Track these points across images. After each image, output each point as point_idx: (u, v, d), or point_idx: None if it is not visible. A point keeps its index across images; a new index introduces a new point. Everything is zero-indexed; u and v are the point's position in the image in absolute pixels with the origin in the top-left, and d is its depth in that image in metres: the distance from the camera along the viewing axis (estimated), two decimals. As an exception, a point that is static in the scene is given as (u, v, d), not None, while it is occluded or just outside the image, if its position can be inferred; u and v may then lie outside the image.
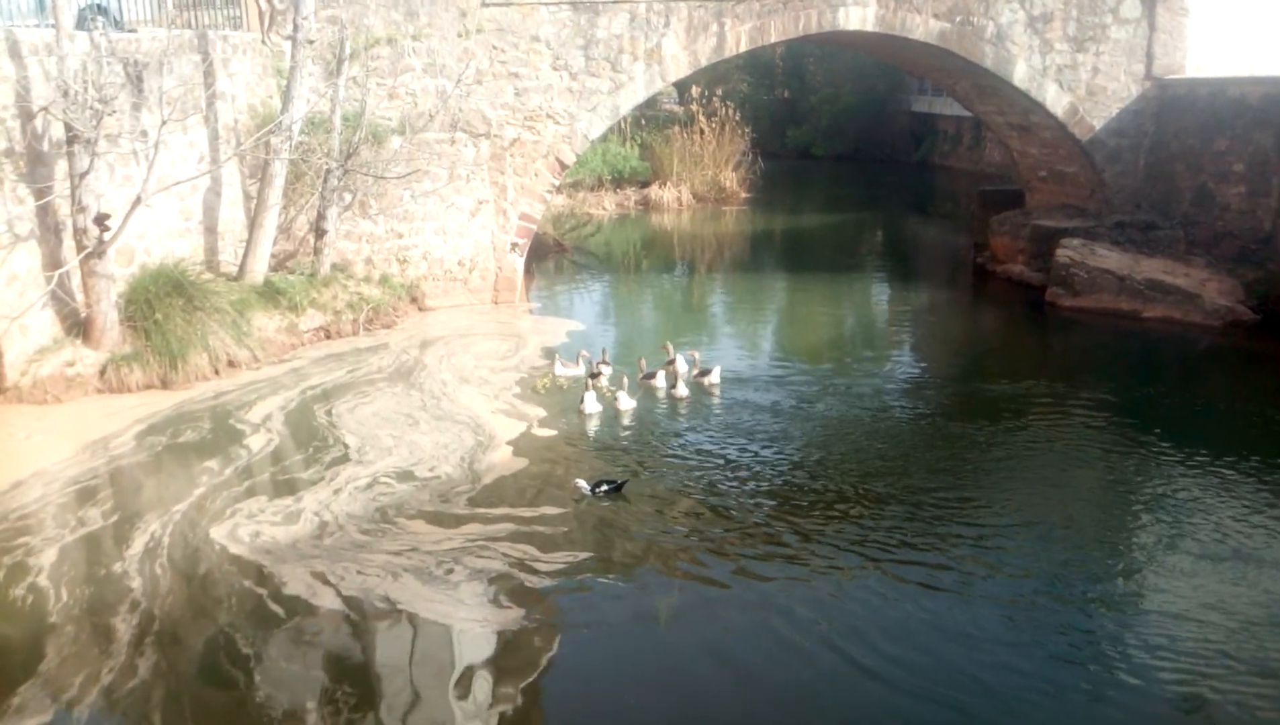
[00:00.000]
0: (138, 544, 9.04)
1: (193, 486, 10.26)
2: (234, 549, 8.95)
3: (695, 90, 33.78)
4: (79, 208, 12.46)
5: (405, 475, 10.54)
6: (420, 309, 17.65)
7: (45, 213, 12.55)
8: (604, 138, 26.63)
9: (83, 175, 12.34)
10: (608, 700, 7.06)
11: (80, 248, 12.64)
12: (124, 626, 7.78)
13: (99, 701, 6.90)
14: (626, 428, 12.17)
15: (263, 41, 17.47)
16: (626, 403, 12.70)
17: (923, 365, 15.91)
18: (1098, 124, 20.46)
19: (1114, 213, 20.49)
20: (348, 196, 16.78)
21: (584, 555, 8.88)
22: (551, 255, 23.89)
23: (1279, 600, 8.10)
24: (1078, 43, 20.07)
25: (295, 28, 15.66)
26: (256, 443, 11.45)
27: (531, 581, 8.43)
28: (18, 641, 7.64)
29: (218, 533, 9.25)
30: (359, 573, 8.51)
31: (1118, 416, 12.50)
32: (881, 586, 8.37)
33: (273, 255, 16.02)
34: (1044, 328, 17.95)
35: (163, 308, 13.45)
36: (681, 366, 13.80)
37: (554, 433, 11.90)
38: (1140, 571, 8.67)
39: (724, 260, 25.17)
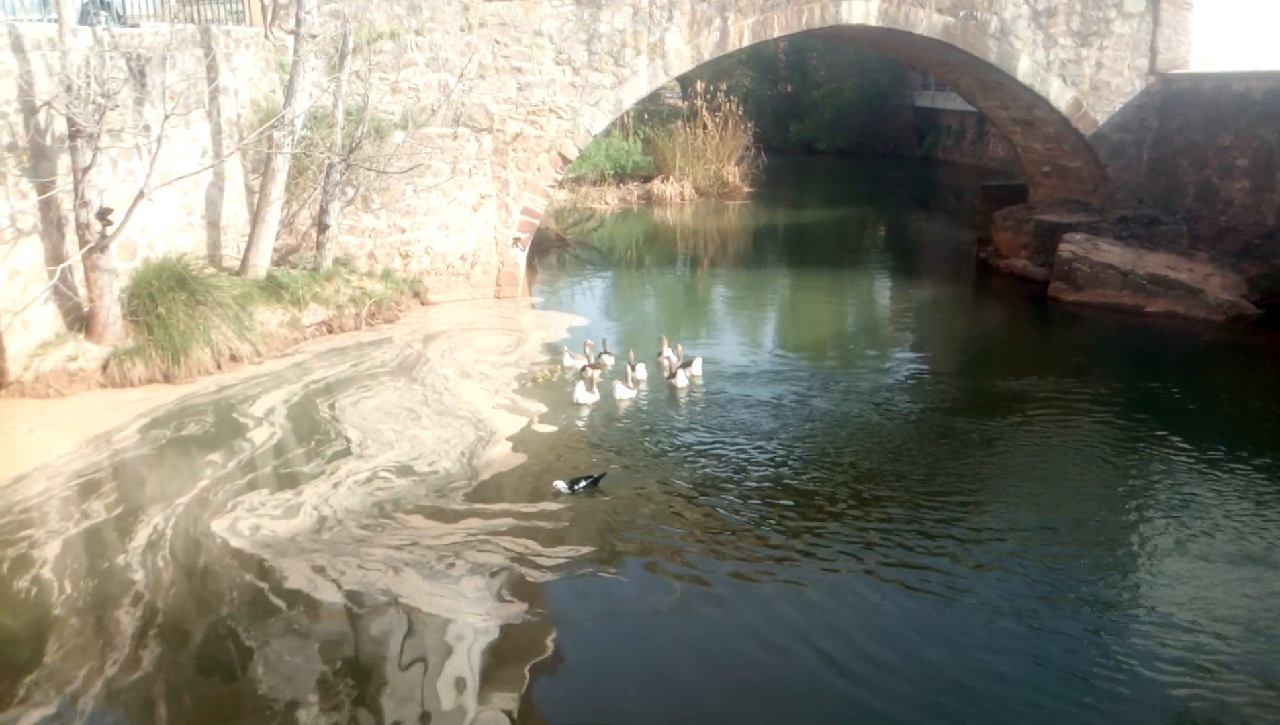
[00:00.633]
0: (140, 537, 9.07)
1: (195, 480, 10.28)
2: (235, 543, 8.97)
3: (698, 85, 33.75)
4: (82, 202, 12.47)
5: (407, 469, 10.56)
6: (423, 304, 17.66)
7: (48, 207, 12.57)
8: (607, 132, 26.65)
9: (85, 170, 12.35)
10: (609, 694, 7.07)
11: (83, 242, 12.66)
12: (127, 619, 7.80)
13: (103, 693, 6.93)
14: (623, 420, 12.17)
15: (265, 36, 17.47)
16: (624, 393, 12.82)
17: (925, 360, 15.90)
18: (1101, 119, 20.43)
19: (1117, 208, 20.46)
20: (350, 191, 16.78)
21: (585, 550, 8.89)
22: (554, 250, 23.89)
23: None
24: (1081, 37, 20.03)
25: (298, 22, 15.66)
26: (259, 436, 11.48)
27: (533, 576, 8.44)
28: (22, 633, 7.67)
29: (219, 526, 9.28)
30: (360, 566, 8.53)
31: (1121, 412, 12.49)
32: (881, 585, 8.38)
33: (275, 250, 16.03)
34: (1047, 323, 17.93)
35: (165, 302, 13.47)
36: (669, 358, 14.02)
37: (555, 427, 11.91)
38: (1143, 570, 8.65)
39: (726, 255, 25.16)
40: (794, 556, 8.81)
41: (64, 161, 12.59)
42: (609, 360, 14.11)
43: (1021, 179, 24.45)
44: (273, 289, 15.33)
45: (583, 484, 9.97)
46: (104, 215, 12.62)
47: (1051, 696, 6.89)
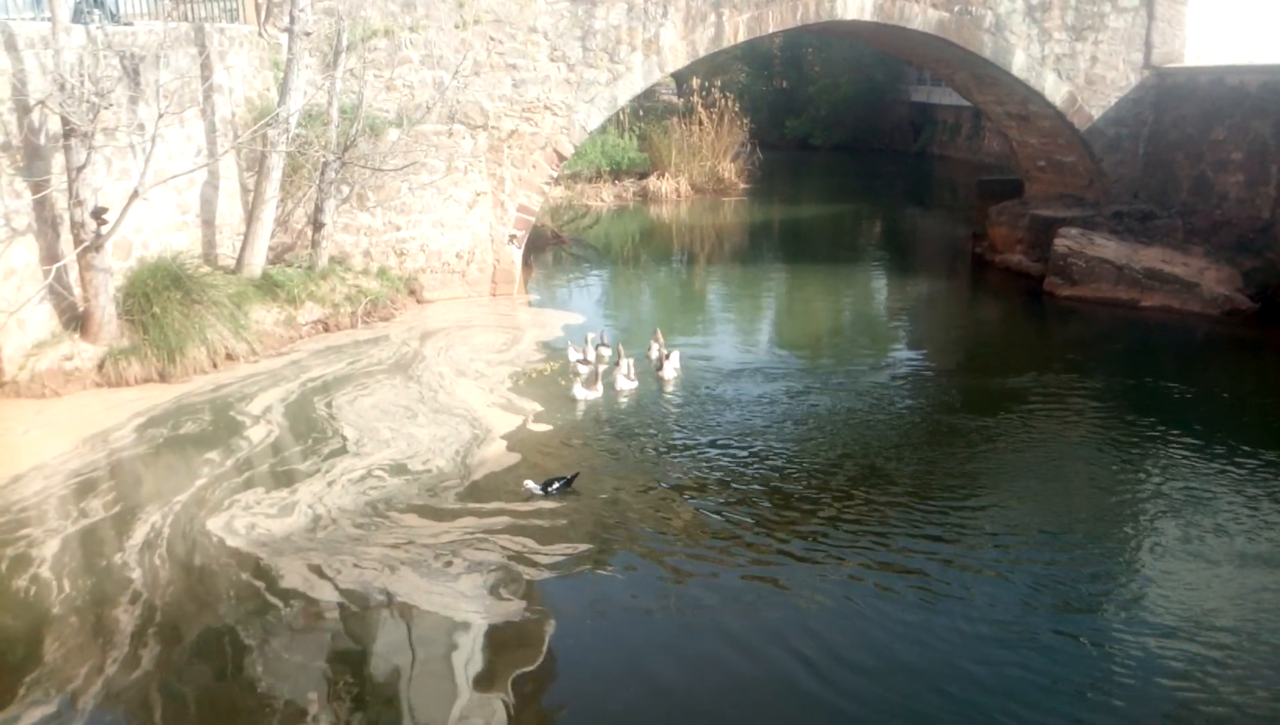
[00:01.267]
0: (138, 536, 9.06)
1: (192, 479, 10.27)
2: (231, 542, 8.97)
3: (694, 81, 33.72)
4: (76, 201, 12.44)
5: (403, 468, 10.55)
6: (418, 301, 17.65)
7: (42, 207, 12.54)
8: (602, 129, 26.58)
9: (80, 169, 12.32)
10: (608, 691, 7.07)
11: (78, 241, 12.63)
12: (126, 617, 7.80)
13: (102, 691, 6.93)
14: (618, 417, 12.16)
15: (259, 34, 17.43)
16: (625, 384, 13.01)
17: (920, 356, 15.92)
18: (1096, 113, 20.45)
19: (1112, 202, 20.49)
20: (345, 189, 16.76)
21: (582, 548, 8.90)
22: (549, 247, 23.88)
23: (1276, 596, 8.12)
24: (1076, 31, 20.05)
25: (292, 19, 15.62)
26: (256, 435, 11.46)
27: (530, 574, 8.45)
28: (22, 631, 7.67)
29: (215, 524, 9.27)
30: (355, 565, 8.53)
31: (1116, 407, 12.52)
32: (878, 585, 8.38)
33: (270, 248, 16.00)
34: (1042, 317, 17.96)
35: (160, 301, 13.44)
36: (655, 352, 14.17)
37: (551, 425, 11.91)
38: (1141, 568, 8.65)
39: (722, 251, 25.16)
40: (790, 555, 8.81)
41: (58, 160, 12.55)
42: (606, 352, 14.23)
43: (1017, 174, 24.47)
44: (268, 288, 15.31)
45: (555, 486, 9.84)
46: (99, 214, 12.59)
47: (1051, 697, 6.87)
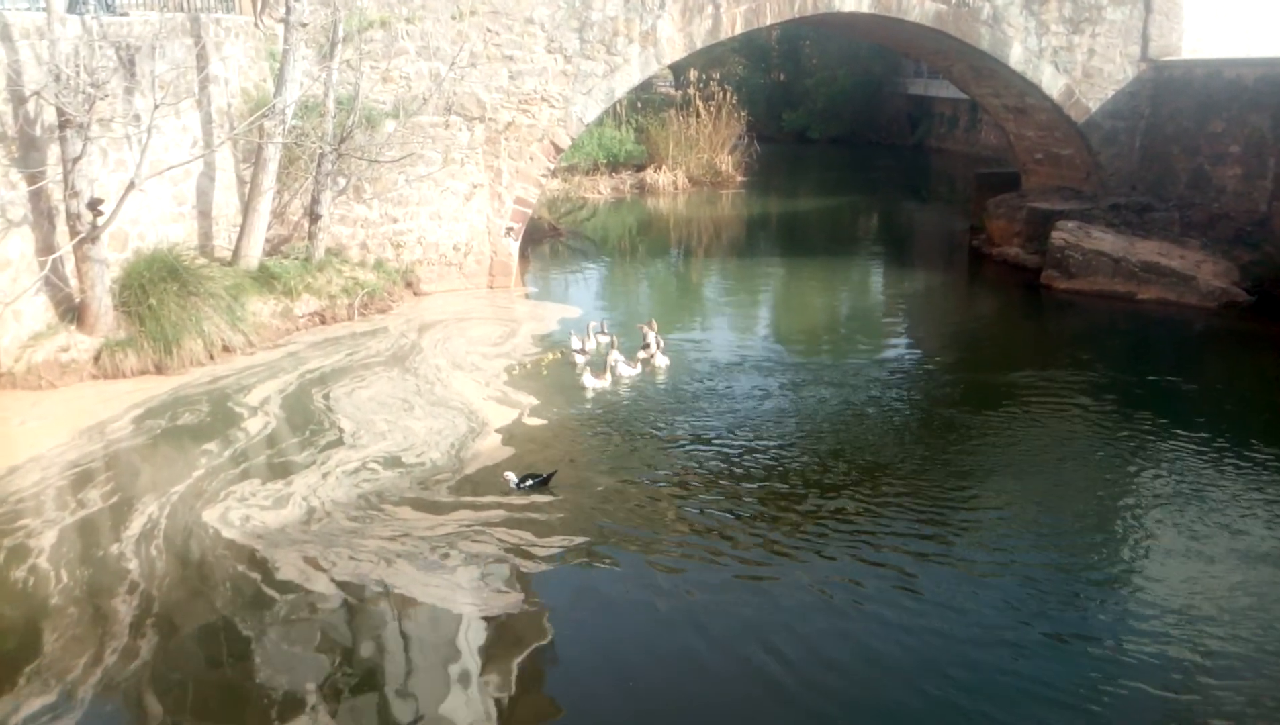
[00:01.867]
0: (135, 527, 9.06)
1: (189, 470, 10.26)
2: (226, 533, 8.97)
3: (691, 73, 33.64)
4: (72, 192, 12.40)
5: (398, 461, 10.55)
6: (415, 294, 17.62)
7: (38, 198, 12.50)
8: (599, 121, 26.56)
9: (75, 160, 12.28)
10: (607, 683, 7.09)
11: (74, 233, 12.60)
12: (124, 608, 7.81)
13: (101, 681, 6.94)
14: (617, 411, 12.17)
15: (255, 24, 17.38)
16: (626, 370, 13.28)
17: (917, 349, 15.93)
18: (1093, 106, 20.45)
19: (1109, 195, 20.50)
20: (342, 181, 16.72)
21: (580, 540, 8.90)
22: (546, 239, 23.84)
23: (1274, 589, 8.12)
24: (1074, 24, 20.04)
25: (288, 10, 15.57)
26: (253, 426, 11.46)
27: (527, 566, 8.46)
28: (21, 621, 7.68)
29: (210, 516, 9.27)
30: (351, 557, 8.54)
31: (1113, 400, 12.54)
32: (875, 583, 8.40)
33: (267, 240, 15.98)
34: (1039, 310, 17.98)
35: (157, 293, 13.41)
36: (651, 340, 14.32)
37: (548, 416, 11.91)
38: (1134, 563, 8.65)
39: (719, 244, 25.15)
40: (786, 550, 8.83)
41: (54, 152, 12.51)
42: (604, 340, 14.38)
43: (1014, 166, 24.47)
44: (265, 279, 15.29)
45: (529, 482, 9.77)
46: (95, 206, 12.56)
47: (1049, 697, 6.85)
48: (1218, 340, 15.76)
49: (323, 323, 15.72)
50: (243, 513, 9.35)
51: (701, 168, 32.59)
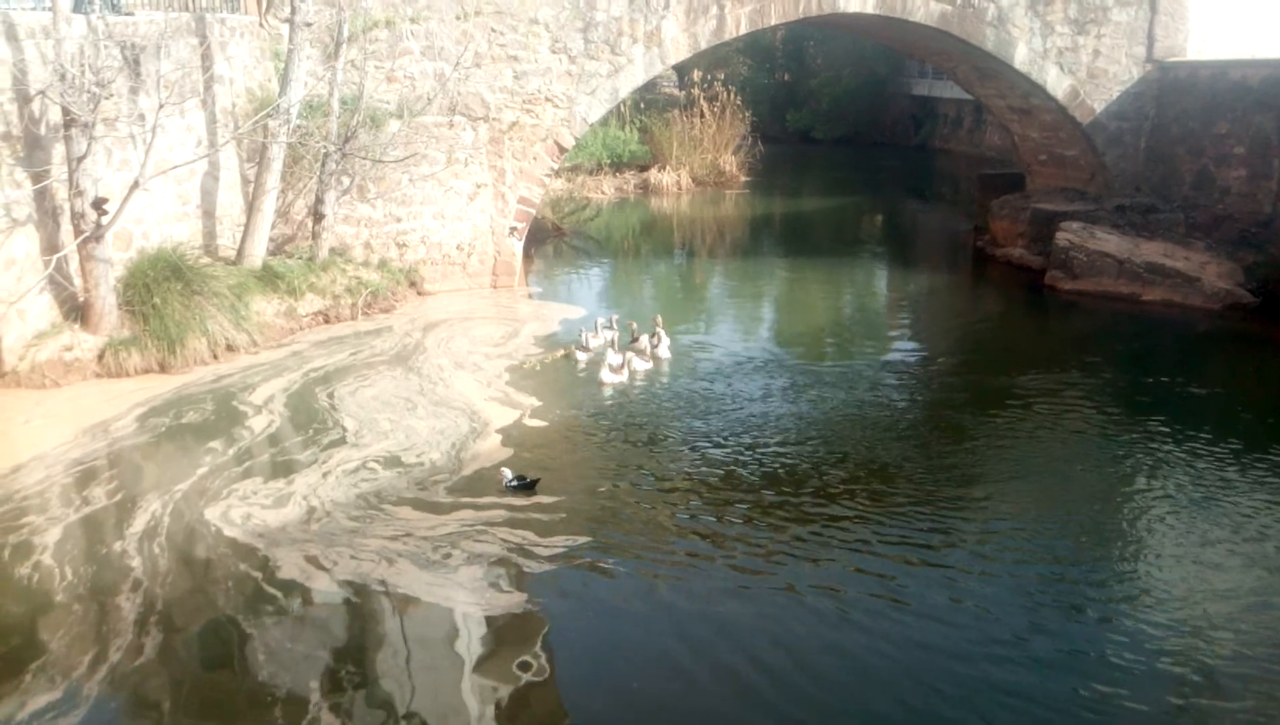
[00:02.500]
0: (138, 524, 9.08)
1: (192, 468, 10.28)
2: (228, 531, 8.99)
3: (696, 74, 33.63)
4: (76, 192, 12.43)
5: (400, 460, 10.56)
6: (419, 293, 17.63)
7: (43, 197, 12.53)
8: (603, 121, 26.56)
9: (80, 159, 12.30)
10: (610, 682, 7.10)
11: (78, 232, 12.62)
12: (128, 605, 7.84)
13: (107, 678, 6.96)
14: (620, 410, 12.17)
15: (260, 24, 17.39)
16: (640, 364, 13.50)
17: (921, 349, 15.91)
18: (1098, 107, 20.42)
19: (1114, 196, 20.47)
20: (346, 180, 16.74)
21: (582, 540, 8.90)
22: (550, 239, 23.86)
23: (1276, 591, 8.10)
24: (1079, 25, 20.01)
25: (293, 10, 15.59)
26: (257, 425, 11.47)
27: (530, 566, 8.46)
28: (26, 619, 7.70)
29: (213, 514, 9.29)
30: (352, 557, 8.55)
31: (1118, 401, 12.52)
32: (873, 584, 8.40)
33: (271, 239, 16.00)
34: (1043, 311, 17.96)
35: (161, 292, 13.44)
36: (657, 334, 14.54)
37: (549, 417, 11.91)
38: (1138, 566, 8.63)
39: (723, 244, 25.14)
40: (789, 551, 8.83)
41: (59, 151, 12.54)
42: (609, 335, 14.48)
43: (1019, 167, 24.44)
44: (269, 279, 15.31)
45: (514, 483, 9.76)
46: (99, 205, 12.58)
47: (1047, 697, 6.85)
48: (1222, 342, 15.73)
49: (326, 322, 15.74)
50: (245, 511, 9.36)
51: (705, 168, 32.59)
